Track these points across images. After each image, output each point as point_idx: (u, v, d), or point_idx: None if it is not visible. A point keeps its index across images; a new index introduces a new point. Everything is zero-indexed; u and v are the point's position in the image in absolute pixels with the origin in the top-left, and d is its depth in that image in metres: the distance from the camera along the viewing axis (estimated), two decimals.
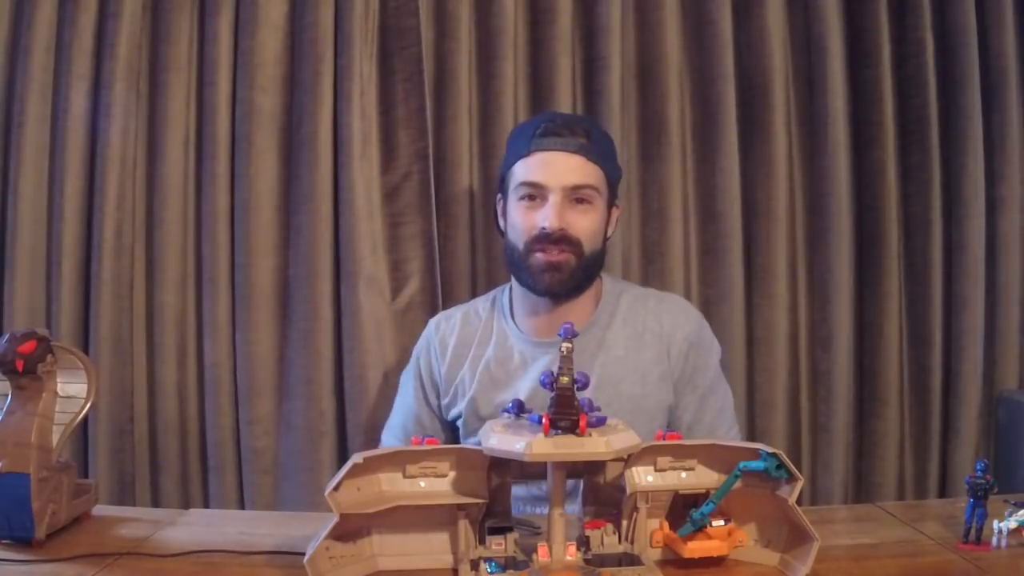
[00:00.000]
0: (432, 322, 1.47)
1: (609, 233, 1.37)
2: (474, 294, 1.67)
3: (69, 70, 1.75)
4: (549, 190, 1.27)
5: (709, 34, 1.76)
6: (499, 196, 1.40)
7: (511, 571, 0.89)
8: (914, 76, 1.76)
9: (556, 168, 1.27)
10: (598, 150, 1.30)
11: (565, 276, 1.28)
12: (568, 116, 1.39)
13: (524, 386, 1.33)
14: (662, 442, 0.95)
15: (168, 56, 1.77)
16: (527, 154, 1.29)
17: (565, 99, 1.75)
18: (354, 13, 1.72)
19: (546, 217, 1.26)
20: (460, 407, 1.38)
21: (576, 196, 1.28)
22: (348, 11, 1.73)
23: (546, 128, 1.29)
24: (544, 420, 0.86)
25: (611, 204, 1.35)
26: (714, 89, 1.76)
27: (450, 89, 1.75)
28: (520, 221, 1.30)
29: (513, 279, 1.38)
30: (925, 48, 1.75)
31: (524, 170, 1.29)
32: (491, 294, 1.47)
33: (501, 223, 1.39)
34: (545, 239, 1.27)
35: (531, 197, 1.29)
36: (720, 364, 1.40)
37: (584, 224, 1.29)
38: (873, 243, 1.79)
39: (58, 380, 1.07)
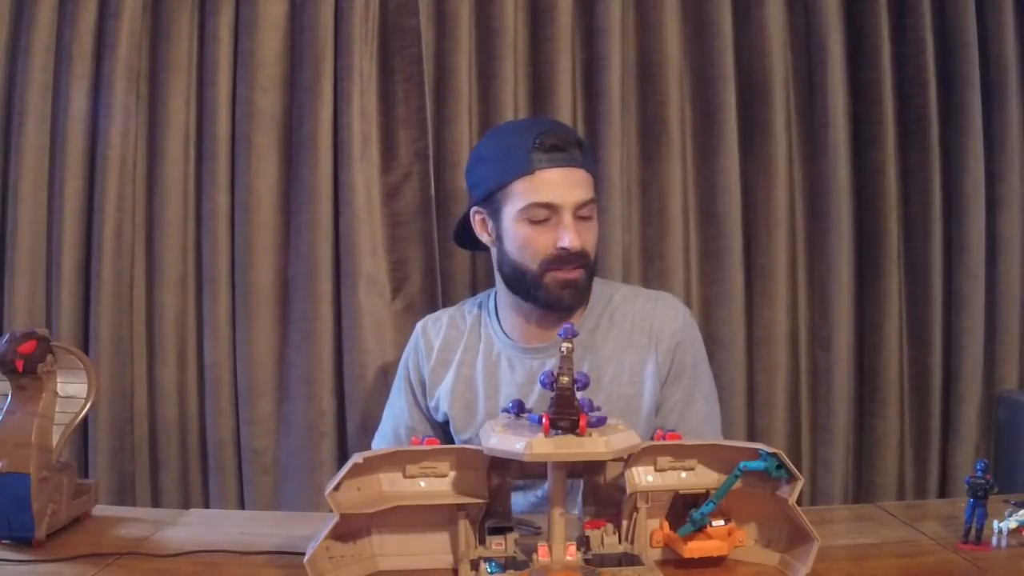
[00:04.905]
0: (419, 324, 1.46)
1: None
2: (474, 294, 1.67)
3: (69, 70, 1.75)
4: (563, 209, 1.24)
5: (709, 34, 1.76)
6: (475, 212, 1.34)
7: (511, 571, 0.89)
8: (914, 76, 1.76)
9: (566, 186, 1.24)
10: (589, 159, 1.30)
11: (580, 290, 1.29)
12: (557, 126, 1.34)
13: (510, 391, 1.33)
14: (662, 442, 0.95)
15: (168, 56, 1.78)
16: (530, 172, 1.24)
17: (565, 99, 1.75)
18: (354, 13, 1.73)
19: (566, 238, 1.24)
20: (445, 408, 1.38)
21: (582, 211, 1.26)
22: (348, 11, 1.73)
23: (543, 142, 1.24)
24: (544, 420, 0.86)
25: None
26: (714, 89, 1.76)
27: (450, 89, 1.75)
28: (532, 242, 1.26)
29: (501, 286, 1.35)
30: (925, 48, 1.75)
31: (530, 190, 1.24)
32: (477, 299, 1.46)
33: (484, 238, 1.35)
34: (565, 258, 1.25)
35: (542, 217, 1.25)
36: (712, 369, 1.40)
37: (591, 237, 1.29)
38: (873, 243, 1.79)
39: (58, 380, 1.07)
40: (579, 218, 1.26)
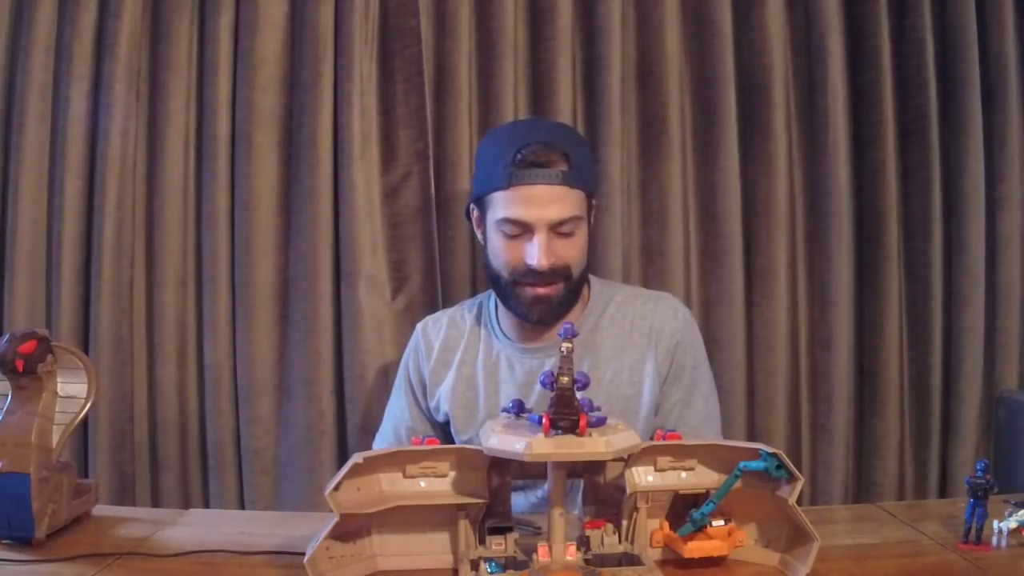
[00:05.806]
0: (419, 325, 1.46)
1: (590, 228, 1.33)
2: (474, 294, 1.67)
3: (69, 70, 1.75)
4: (534, 227, 1.23)
5: (709, 34, 1.76)
6: (472, 207, 1.35)
7: (511, 571, 0.89)
8: (914, 76, 1.76)
9: (540, 204, 1.22)
10: (579, 173, 1.24)
11: (554, 305, 1.28)
12: (546, 135, 1.28)
13: (510, 391, 1.33)
14: (662, 442, 0.95)
15: (168, 56, 1.78)
16: (506, 187, 1.23)
17: (565, 99, 1.75)
18: (354, 13, 1.73)
19: (533, 256, 1.23)
20: (445, 408, 1.38)
21: (562, 228, 1.24)
22: (348, 11, 1.73)
23: (524, 157, 1.22)
24: (544, 420, 0.86)
25: (591, 209, 1.32)
26: (714, 89, 1.76)
27: (450, 89, 1.75)
28: (504, 254, 1.27)
29: None
30: (925, 48, 1.75)
31: (504, 204, 1.24)
32: (477, 299, 1.46)
33: (479, 234, 1.36)
34: (533, 275, 1.24)
35: (514, 232, 1.25)
36: (712, 369, 1.39)
37: (570, 252, 1.26)
38: (873, 243, 1.79)
39: (58, 380, 1.07)
40: (559, 234, 1.24)
